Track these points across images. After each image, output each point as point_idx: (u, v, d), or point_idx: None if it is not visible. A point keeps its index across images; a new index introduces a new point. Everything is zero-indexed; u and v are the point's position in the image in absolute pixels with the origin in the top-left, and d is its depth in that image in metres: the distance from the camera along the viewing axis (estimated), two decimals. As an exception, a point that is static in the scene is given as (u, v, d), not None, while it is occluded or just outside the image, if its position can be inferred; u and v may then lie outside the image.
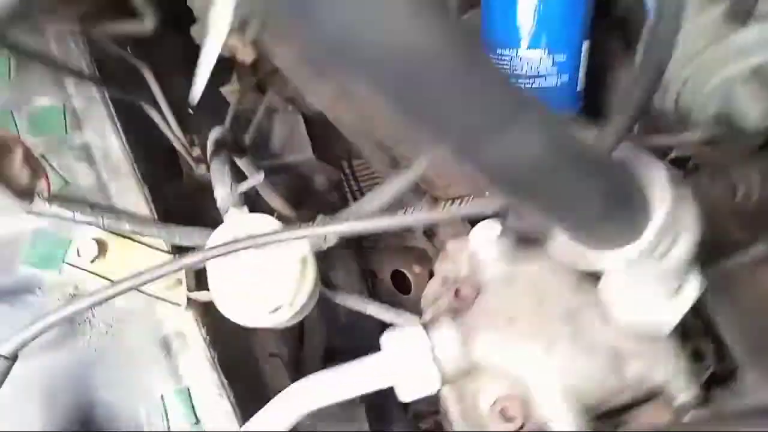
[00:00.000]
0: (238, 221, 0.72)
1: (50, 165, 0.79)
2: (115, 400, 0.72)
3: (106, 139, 0.82)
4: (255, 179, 0.73)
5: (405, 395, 0.57)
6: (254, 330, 0.79)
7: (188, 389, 0.73)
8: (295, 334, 1.00)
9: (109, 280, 0.75)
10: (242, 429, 0.57)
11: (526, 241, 0.59)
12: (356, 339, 1.05)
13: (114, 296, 0.62)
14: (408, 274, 1.17)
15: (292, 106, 1.06)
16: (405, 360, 0.56)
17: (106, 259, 0.76)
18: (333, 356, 1.02)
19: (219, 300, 0.70)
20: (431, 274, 0.71)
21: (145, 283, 0.62)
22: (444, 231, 0.96)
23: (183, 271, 0.73)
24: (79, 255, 0.75)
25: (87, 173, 0.80)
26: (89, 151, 0.81)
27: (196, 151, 0.93)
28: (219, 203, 0.74)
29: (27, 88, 0.82)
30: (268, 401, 0.56)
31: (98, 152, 0.81)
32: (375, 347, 0.57)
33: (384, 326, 0.65)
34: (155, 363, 0.73)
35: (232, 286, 0.70)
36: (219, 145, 0.77)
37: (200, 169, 0.91)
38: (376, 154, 0.92)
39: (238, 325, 0.78)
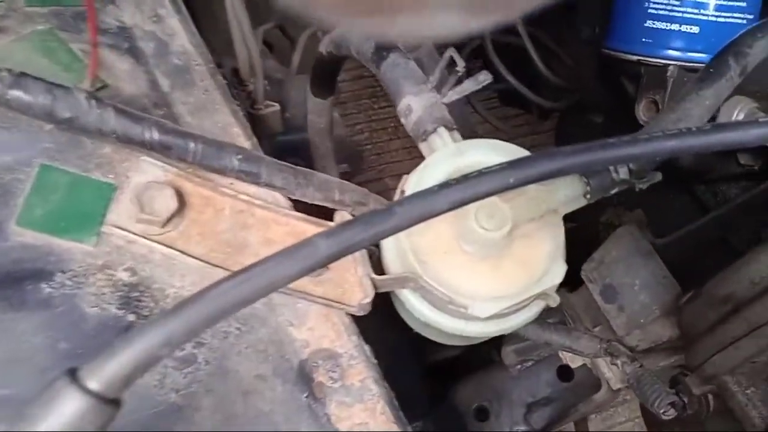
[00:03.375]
0: (457, 150, 0.41)
1: (72, 52, 0.43)
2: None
3: (163, 23, 0.47)
4: (481, 77, 0.42)
5: None
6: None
7: (356, 459, 0.39)
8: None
9: (194, 257, 0.40)
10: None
11: None
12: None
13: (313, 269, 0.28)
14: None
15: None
16: None
17: (183, 222, 0.41)
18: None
19: (436, 288, 0.38)
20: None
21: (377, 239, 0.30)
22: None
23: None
24: (142, 212, 0.39)
25: (133, 73, 0.45)
26: (133, 40, 0.46)
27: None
28: (411, 124, 0.42)
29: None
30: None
31: (148, 44, 0.46)
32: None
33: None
34: (293, 411, 0.39)
35: (459, 264, 0.39)
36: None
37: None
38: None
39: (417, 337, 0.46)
